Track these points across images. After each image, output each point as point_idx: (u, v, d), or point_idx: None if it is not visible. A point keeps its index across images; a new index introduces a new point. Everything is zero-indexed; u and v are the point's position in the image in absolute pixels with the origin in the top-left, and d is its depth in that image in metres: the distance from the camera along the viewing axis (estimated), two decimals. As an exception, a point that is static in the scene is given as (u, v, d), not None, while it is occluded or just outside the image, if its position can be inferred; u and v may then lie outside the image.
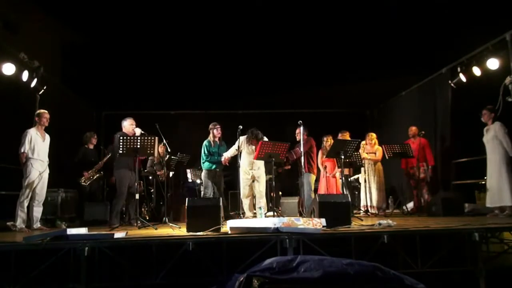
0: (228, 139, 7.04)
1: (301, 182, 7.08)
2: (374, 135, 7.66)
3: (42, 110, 5.77)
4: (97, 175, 7.04)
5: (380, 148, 7.37)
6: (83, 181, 6.89)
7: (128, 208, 6.14)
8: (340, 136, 7.34)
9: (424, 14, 6.62)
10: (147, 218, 7.04)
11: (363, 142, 7.57)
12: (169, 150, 6.90)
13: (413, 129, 7.53)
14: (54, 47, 8.13)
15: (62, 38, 7.87)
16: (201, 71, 8.41)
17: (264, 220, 4.60)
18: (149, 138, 5.42)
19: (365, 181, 7.44)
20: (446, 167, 7.81)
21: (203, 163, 6.96)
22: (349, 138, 7.17)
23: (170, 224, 5.51)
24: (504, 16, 5.95)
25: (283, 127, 8.36)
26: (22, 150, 5.43)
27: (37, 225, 5.56)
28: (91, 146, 7.34)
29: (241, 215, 6.36)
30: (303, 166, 6.72)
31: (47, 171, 5.68)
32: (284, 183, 9.12)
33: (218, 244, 4.00)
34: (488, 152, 6.01)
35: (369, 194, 7.35)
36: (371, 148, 7.50)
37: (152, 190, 8.01)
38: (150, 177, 8.08)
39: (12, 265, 3.66)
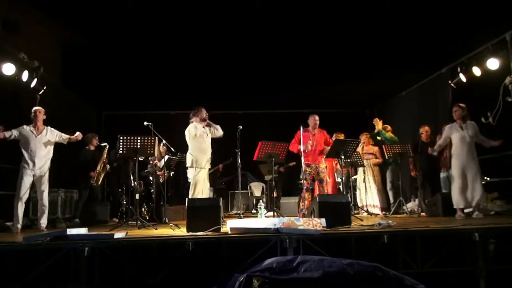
0: (228, 139, 7.02)
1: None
2: (367, 134, 7.72)
3: (34, 108, 5.73)
4: (104, 171, 7.02)
5: (375, 148, 7.41)
6: (93, 181, 6.89)
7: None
8: (334, 137, 7.33)
9: (424, 14, 6.63)
10: (147, 218, 7.04)
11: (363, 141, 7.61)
12: (172, 150, 6.88)
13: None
14: (54, 47, 8.13)
15: (62, 38, 7.87)
16: (201, 71, 8.41)
17: (264, 220, 4.60)
18: (149, 138, 5.41)
19: (364, 181, 7.45)
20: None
21: None
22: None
23: (170, 224, 5.51)
24: (504, 16, 5.95)
25: (283, 127, 8.35)
26: (8, 135, 5.37)
27: (40, 224, 5.54)
28: (92, 147, 7.31)
29: (241, 215, 6.36)
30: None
31: (45, 170, 5.60)
32: (284, 183, 9.13)
33: (218, 244, 4.01)
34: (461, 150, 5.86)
35: (369, 194, 7.36)
36: (367, 148, 7.53)
37: (152, 190, 8.01)
38: (150, 177, 8.08)
39: (12, 265, 3.66)
